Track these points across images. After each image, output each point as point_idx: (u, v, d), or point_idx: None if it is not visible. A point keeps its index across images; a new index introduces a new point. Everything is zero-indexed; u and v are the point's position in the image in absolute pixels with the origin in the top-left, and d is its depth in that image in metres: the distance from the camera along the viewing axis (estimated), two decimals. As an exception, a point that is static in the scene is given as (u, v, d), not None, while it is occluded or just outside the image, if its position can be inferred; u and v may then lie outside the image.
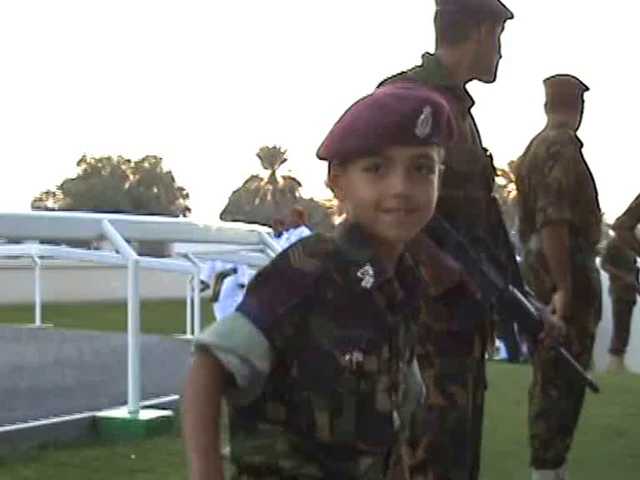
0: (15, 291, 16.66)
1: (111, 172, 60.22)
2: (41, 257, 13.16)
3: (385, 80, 2.67)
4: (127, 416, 5.56)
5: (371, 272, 1.50)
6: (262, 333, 1.44)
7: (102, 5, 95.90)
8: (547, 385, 4.14)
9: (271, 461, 1.49)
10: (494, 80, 2.83)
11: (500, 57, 2.83)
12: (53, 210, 44.46)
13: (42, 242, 13.20)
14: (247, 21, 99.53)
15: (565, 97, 4.30)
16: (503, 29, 2.82)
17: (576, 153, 4.21)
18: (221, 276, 11.87)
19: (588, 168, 4.27)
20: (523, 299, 2.76)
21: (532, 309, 2.78)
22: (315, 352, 1.47)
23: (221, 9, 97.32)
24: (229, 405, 1.52)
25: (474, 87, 2.87)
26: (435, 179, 1.54)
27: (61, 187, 58.32)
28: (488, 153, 2.85)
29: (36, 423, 5.30)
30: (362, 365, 1.48)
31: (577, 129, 4.33)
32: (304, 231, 10.05)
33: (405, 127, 1.48)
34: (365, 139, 1.49)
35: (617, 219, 4.94)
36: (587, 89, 4.36)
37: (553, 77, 4.37)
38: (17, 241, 13.70)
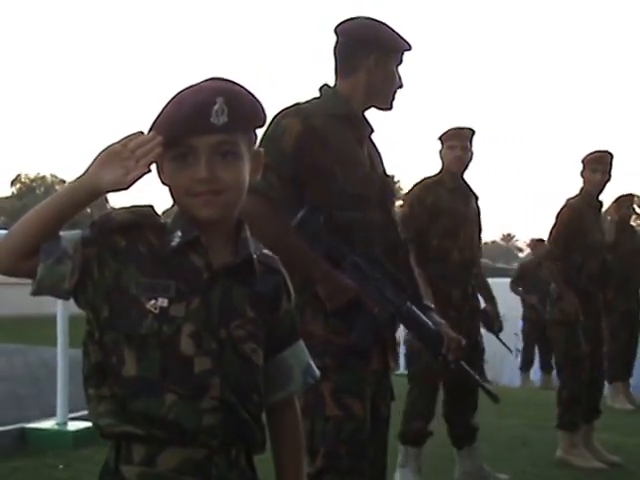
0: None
1: (45, 192, 59.59)
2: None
3: (281, 112, 2.78)
4: (55, 427, 5.63)
5: (179, 234, 1.67)
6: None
7: (35, 26, 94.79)
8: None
9: (94, 421, 1.69)
10: (390, 108, 2.92)
11: (400, 86, 2.90)
12: (-15, 229, 43.48)
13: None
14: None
15: None
16: (401, 61, 2.89)
17: None
18: None
19: None
20: (421, 315, 2.84)
21: (431, 324, 2.86)
22: (124, 297, 1.64)
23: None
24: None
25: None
26: (243, 163, 1.69)
27: (-5, 205, 57.53)
28: (389, 177, 2.97)
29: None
30: (166, 310, 1.63)
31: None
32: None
33: (199, 117, 1.63)
34: (165, 132, 1.63)
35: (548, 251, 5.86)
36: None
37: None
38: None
